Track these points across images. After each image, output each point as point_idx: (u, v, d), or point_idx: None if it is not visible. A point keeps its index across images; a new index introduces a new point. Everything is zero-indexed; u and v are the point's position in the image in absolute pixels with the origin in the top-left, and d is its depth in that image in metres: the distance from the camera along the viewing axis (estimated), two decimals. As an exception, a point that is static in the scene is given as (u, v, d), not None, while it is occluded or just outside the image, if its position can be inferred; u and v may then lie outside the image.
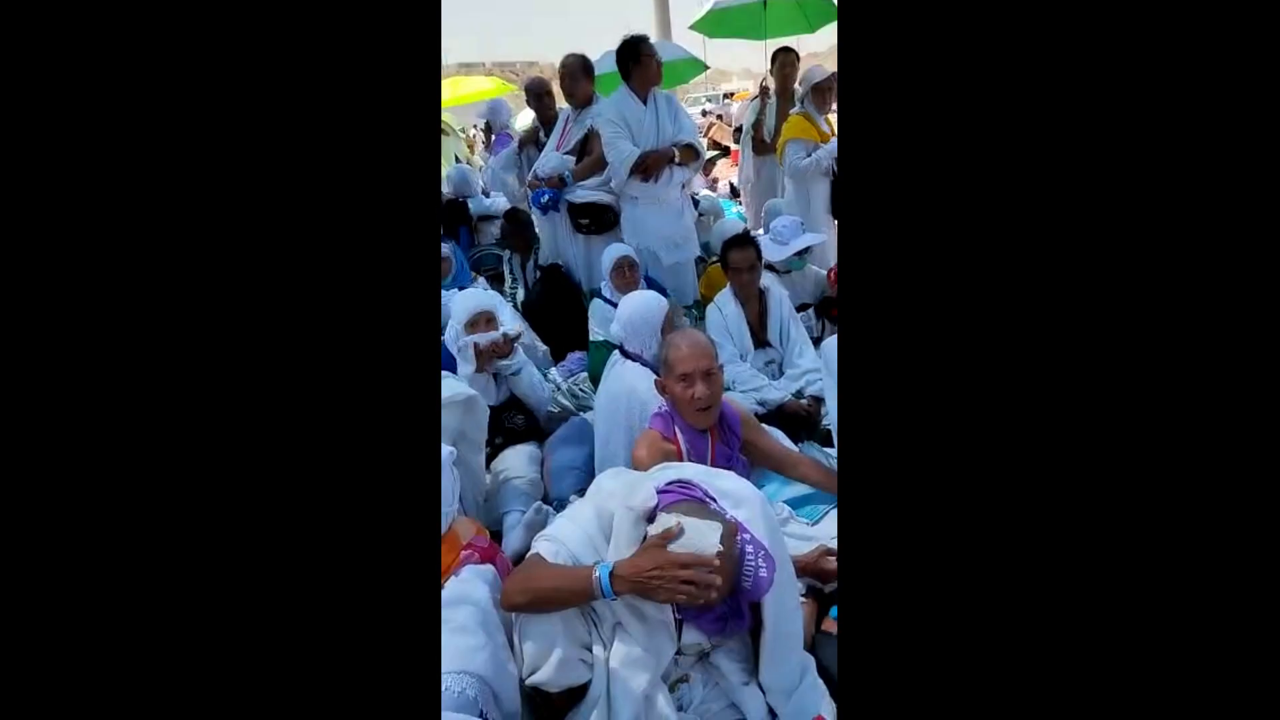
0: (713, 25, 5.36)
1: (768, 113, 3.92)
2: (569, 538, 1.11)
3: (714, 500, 1.06)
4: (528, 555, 1.14)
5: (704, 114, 11.44)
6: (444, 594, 1.13)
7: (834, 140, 3.31)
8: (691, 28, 5.53)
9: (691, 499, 1.04)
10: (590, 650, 1.09)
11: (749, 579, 0.99)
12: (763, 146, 3.94)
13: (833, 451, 1.94)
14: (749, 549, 1.00)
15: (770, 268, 2.80)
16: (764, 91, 4.05)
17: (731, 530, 1.01)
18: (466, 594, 1.13)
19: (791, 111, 3.41)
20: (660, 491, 1.05)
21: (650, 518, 1.03)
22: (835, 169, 3.26)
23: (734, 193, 5.57)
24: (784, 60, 3.78)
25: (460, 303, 2.12)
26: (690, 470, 1.13)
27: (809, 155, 3.25)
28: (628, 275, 2.60)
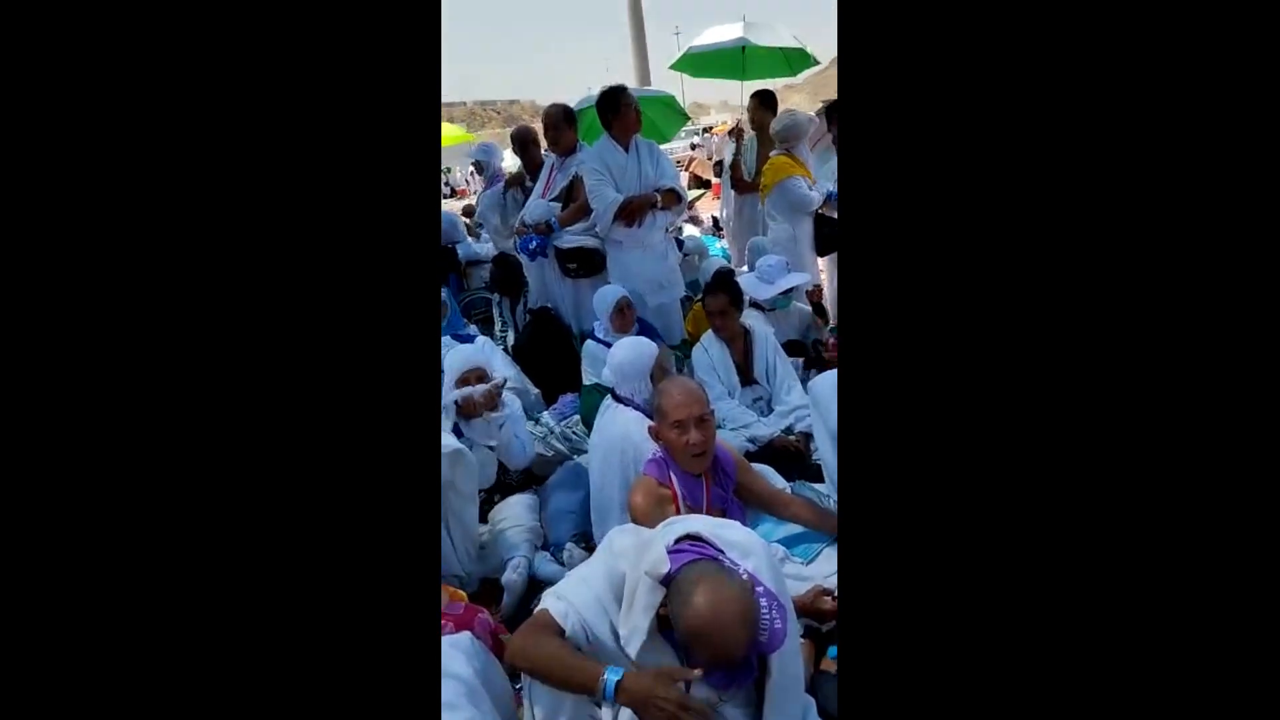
0: (692, 65, 5.50)
1: (744, 152, 4.02)
2: (579, 600, 1.11)
3: (723, 553, 1.08)
4: (537, 610, 1.15)
5: (693, 148, 11.62)
6: None
7: (822, 181, 3.39)
8: (671, 68, 5.65)
9: (706, 558, 1.06)
10: (600, 706, 1.11)
11: (765, 633, 1.00)
12: (742, 185, 4.03)
13: (822, 488, 1.98)
14: (763, 601, 1.01)
15: (756, 305, 2.87)
16: (739, 133, 4.16)
17: (749, 587, 1.03)
18: (446, 668, 1.12)
19: (772, 153, 3.50)
20: (673, 551, 1.06)
21: (665, 580, 1.05)
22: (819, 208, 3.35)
23: (717, 226, 5.67)
24: (758, 103, 3.88)
25: (451, 360, 2.14)
26: (697, 523, 1.16)
27: (810, 188, 3.32)
28: (626, 315, 2.64)
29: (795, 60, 5.29)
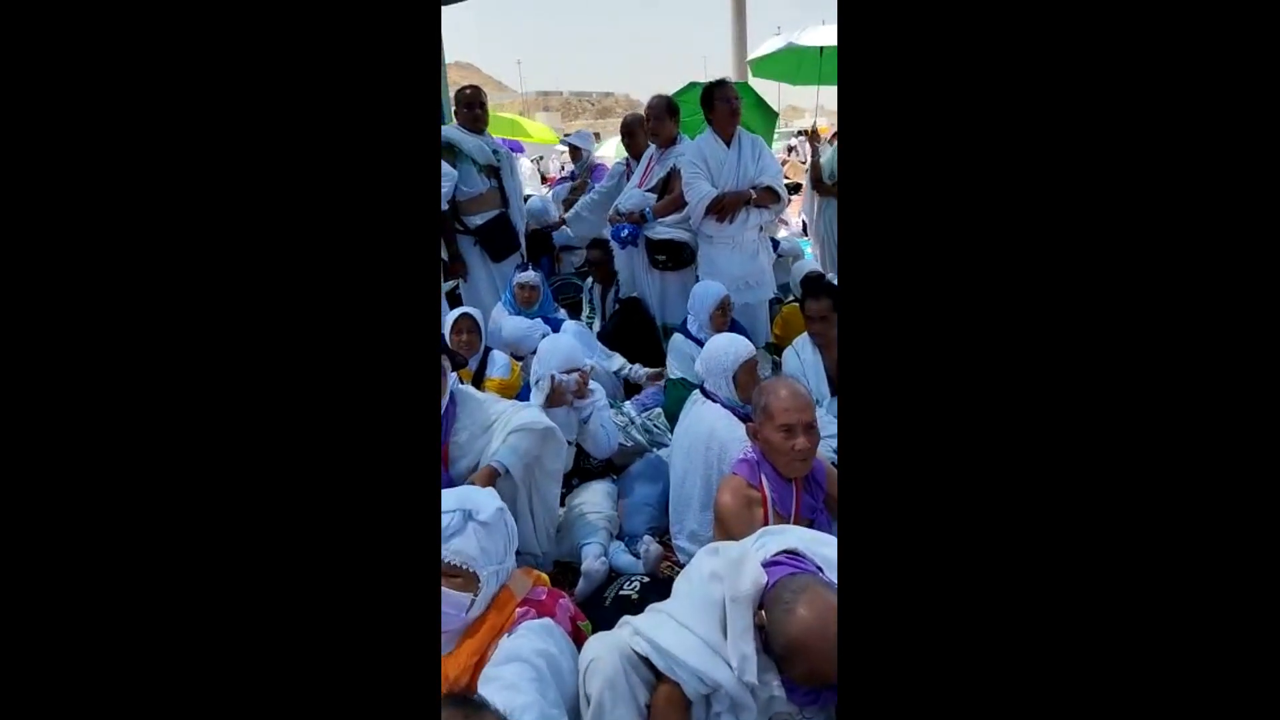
0: (771, 68, 5.33)
1: (824, 155, 3.95)
2: (683, 652, 1.05)
3: (821, 570, 1.04)
4: (662, 688, 1.08)
5: (790, 150, 11.40)
6: (496, 653, 1.12)
7: None
8: (754, 75, 5.46)
9: (803, 572, 1.01)
10: None
11: None
12: (822, 187, 3.93)
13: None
14: None
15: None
16: (813, 135, 4.08)
17: None
18: (516, 651, 1.11)
19: None
20: (769, 564, 1.02)
21: (759, 601, 1.00)
22: None
23: (806, 230, 5.55)
24: None
25: (556, 350, 2.13)
26: (794, 537, 1.11)
27: None
28: (729, 314, 2.61)
29: None
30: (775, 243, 3.69)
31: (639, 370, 2.87)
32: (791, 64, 5.14)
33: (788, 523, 1.47)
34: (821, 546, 1.13)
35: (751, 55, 5.41)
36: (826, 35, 4.72)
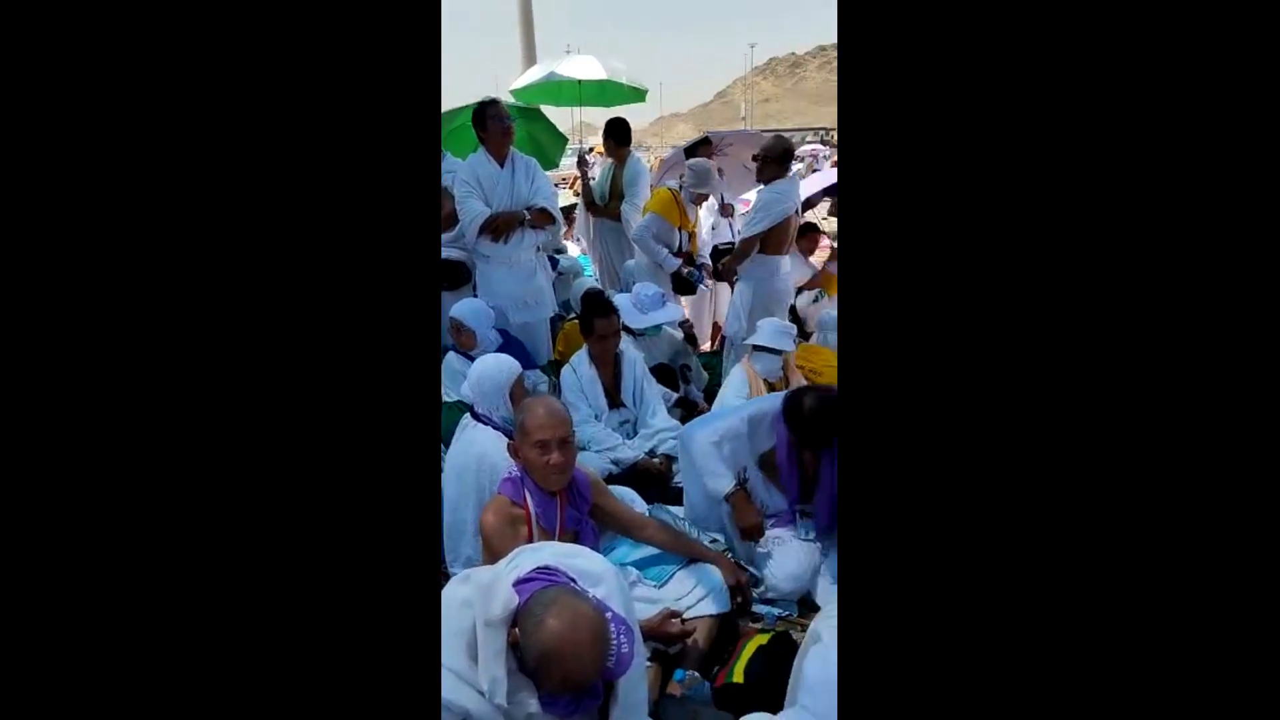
0: (534, 95, 5.51)
1: (596, 176, 4.16)
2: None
3: (574, 581, 1.07)
4: None
5: (580, 164, 11.68)
6: None
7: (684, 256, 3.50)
8: (515, 98, 5.59)
9: (556, 584, 1.04)
10: None
11: (613, 658, 1.00)
12: (595, 208, 4.12)
13: (679, 511, 2.02)
14: (612, 626, 1.01)
15: (625, 329, 2.91)
16: (580, 161, 4.33)
17: (600, 607, 1.02)
18: None
19: (666, 183, 3.62)
20: (523, 581, 1.03)
21: (512, 620, 1.01)
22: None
23: (592, 246, 5.73)
24: (607, 132, 3.98)
25: None
26: (547, 552, 1.13)
27: (655, 238, 3.42)
28: (463, 333, 2.60)
29: (617, 94, 5.34)
30: (554, 261, 3.76)
31: None
32: (552, 92, 5.33)
33: (552, 537, 1.50)
34: (575, 559, 1.16)
35: (514, 85, 5.51)
36: (582, 67, 4.97)
